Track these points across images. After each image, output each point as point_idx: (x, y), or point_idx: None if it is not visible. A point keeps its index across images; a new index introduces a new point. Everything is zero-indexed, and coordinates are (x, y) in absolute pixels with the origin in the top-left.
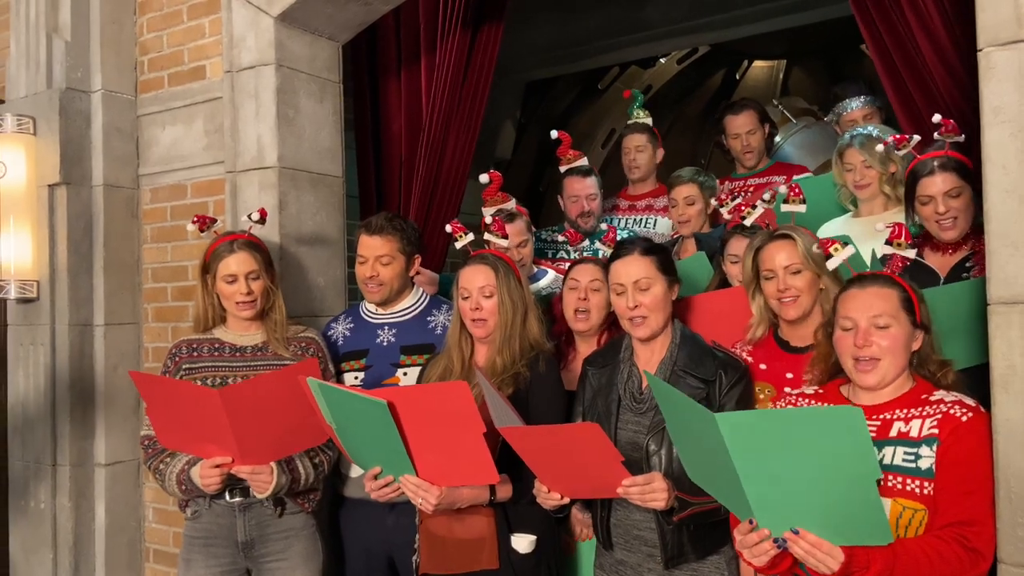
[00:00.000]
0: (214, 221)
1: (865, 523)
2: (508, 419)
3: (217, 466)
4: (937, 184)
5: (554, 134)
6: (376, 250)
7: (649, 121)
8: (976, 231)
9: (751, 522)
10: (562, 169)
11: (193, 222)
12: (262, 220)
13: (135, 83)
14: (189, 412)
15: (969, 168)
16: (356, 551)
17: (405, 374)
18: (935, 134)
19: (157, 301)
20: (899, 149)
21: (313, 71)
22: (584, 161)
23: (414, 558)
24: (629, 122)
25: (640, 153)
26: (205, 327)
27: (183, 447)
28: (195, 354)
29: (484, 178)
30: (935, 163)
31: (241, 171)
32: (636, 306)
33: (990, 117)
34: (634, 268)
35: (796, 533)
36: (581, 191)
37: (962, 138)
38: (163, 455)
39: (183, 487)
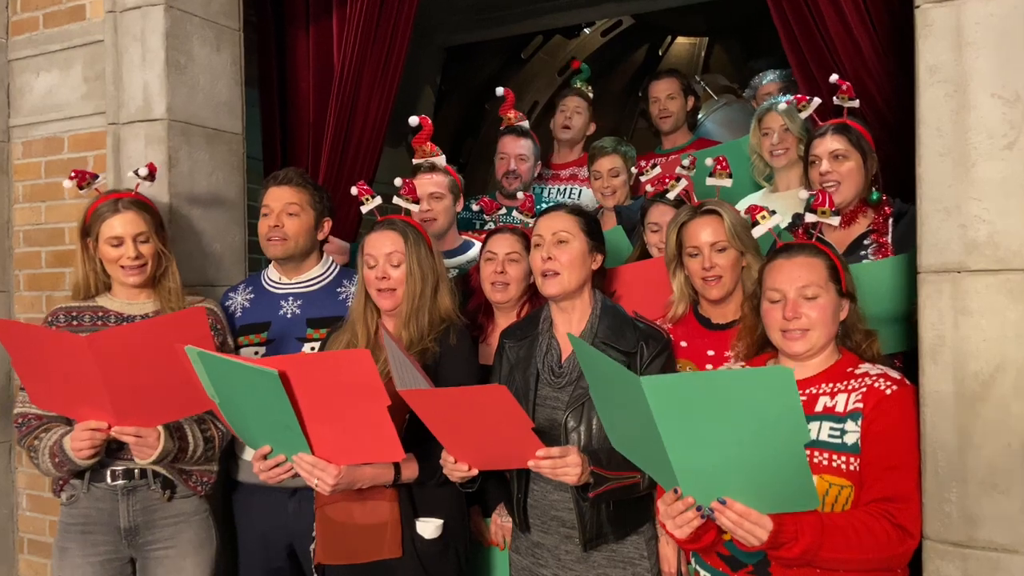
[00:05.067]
0: (95, 177)
1: (793, 489)
2: (413, 382)
3: (92, 430)
4: (824, 144)
5: (499, 91)
6: (284, 199)
7: (590, 95)
8: (873, 207)
9: (676, 491)
10: (502, 128)
11: (71, 177)
12: (151, 176)
13: (6, 24)
14: (59, 366)
15: (864, 139)
16: (252, 539)
17: (312, 349)
18: (834, 98)
19: (30, 267)
20: (800, 110)
21: (208, 15)
22: (525, 124)
23: (311, 547)
24: (569, 87)
25: (578, 115)
26: (87, 295)
27: (57, 407)
28: (75, 323)
29: (413, 120)
30: (830, 127)
31: (125, 123)
32: (550, 258)
33: (925, 76)
34: (556, 222)
35: (723, 503)
36: (511, 150)
37: (856, 103)
38: (37, 431)
39: (57, 460)
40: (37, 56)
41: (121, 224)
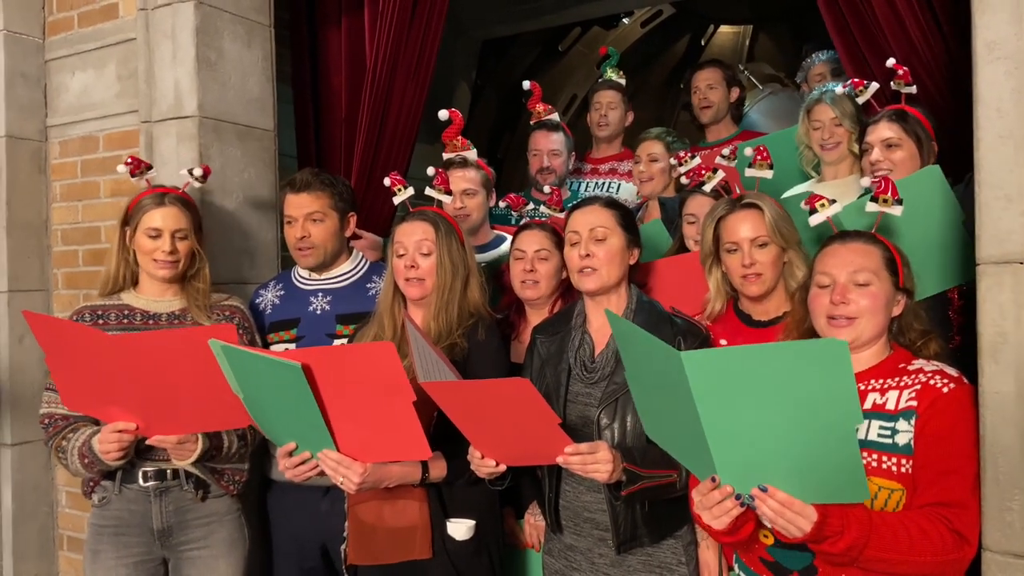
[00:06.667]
0: (149, 167)
1: (841, 477)
2: (438, 373)
3: (120, 431)
4: (877, 131)
5: (526, 84)
6: (305, 207)
7: (623, 82)
8: None
9: (713, 479)
10: (532, 123)
11: (126, 163)
12: (204, 178)
13: (43, 24)
14: (89, 363)
15: (922, 126)
16: (285, 539)
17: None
18: (891, 83)
19: (68, 266)
20: (857, 95)
21: (239, 11)
22: (555, 117)
23: (343, 547)
24: (602, 79)
25: (612, 111)
26: (113, 290)
27: (87, 407)
28: (100, 321)
29: (444, 114)
30: (885, 114)
31: (157, 121)
32: (588, 255)
33: (984, 53)
34: (592, 216)
35: (764, 491)
36: (544, 146)
37: (913, 89)
38: (65, 431)
39: (86, 460)
40: (72, 56)
41: (162, 217)
